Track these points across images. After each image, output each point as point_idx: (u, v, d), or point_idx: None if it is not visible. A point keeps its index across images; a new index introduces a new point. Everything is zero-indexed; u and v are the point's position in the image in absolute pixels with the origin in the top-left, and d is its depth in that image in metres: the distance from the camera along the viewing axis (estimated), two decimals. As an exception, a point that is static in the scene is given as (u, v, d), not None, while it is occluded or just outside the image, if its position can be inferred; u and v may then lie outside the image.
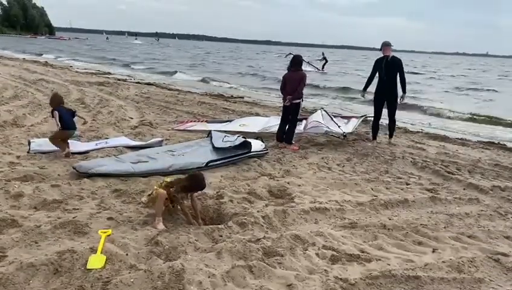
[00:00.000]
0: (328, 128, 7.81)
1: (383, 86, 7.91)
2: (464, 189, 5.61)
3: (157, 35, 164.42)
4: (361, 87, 8.74)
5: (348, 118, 9.25)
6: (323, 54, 36.26)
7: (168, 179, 4.23)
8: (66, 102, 10.43)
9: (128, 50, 58.32)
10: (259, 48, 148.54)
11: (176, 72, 26.28)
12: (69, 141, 6.09)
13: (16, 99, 10.33)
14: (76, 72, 21.00)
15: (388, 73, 7.78)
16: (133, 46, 73.16)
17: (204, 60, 43.06)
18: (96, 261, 3.05)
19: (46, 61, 26.35)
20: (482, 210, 4.81)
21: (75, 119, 6.17)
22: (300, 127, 8.13)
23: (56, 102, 6.00)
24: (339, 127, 7.91)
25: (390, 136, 8.34)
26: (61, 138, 5.90)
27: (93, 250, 3.18)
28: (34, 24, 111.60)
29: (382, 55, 7.88)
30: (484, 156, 7.73)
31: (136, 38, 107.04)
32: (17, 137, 6.72)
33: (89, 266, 3.00)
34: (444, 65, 65.26)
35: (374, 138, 8.30)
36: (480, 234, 4.12)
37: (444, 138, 9.50)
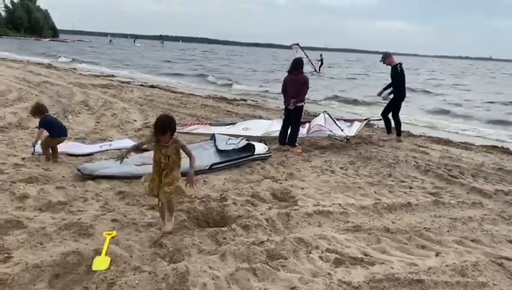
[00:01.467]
0: (331, 131, 7.83)
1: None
2: (467, 193, 5.61)
3: (162, 38, 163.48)
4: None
5: (351, 121, 9.26)
6: (321, 55, 36.32)
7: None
8: (70, 104, 10.53)
9: (118, 51, 59.71)
10: (260, 50, 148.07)
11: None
12: (73, 143, 6.09)
13: (20, 102, 10.37)
14: (80, 74, 21.07)
15: (399, 80, 8.63)
16: (129, 49, 73.56)
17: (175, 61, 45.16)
18: (101, 263, 3.07)
19: (49, 64, 26.47)
20: (485, 214, 4.80)
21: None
22: (303, 130, 8.14)
23: (40, 112, 5.74)
24: (342, 130, 7.92)
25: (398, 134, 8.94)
26: (52, 145, 5.70)
27: (97, 252, 3.20)
28: (38, 27, 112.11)
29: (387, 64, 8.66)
30: (487, 160, 7.72)
31: (134, 42, 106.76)
32: (21, 139, 6.75)
33: (94, 268, 3.02)
34: (433, 68, 64.84)
35: (389, 132, 9.05)
36: (484, 238, 4.12)
37: (447, 142, 9.49)
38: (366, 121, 9.18)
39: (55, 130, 5.66)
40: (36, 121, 8.13)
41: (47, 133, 5.65)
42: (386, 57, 8.64)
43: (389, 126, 9.03)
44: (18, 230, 3.59)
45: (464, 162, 7.35)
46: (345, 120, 9.37)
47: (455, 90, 28.18)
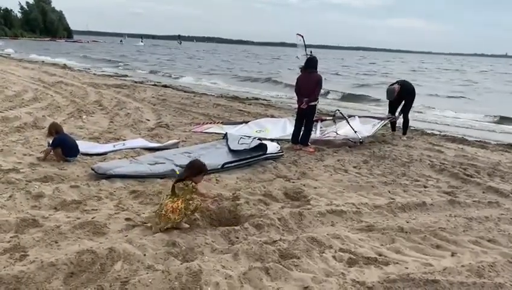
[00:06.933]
0: (346, 136, 7.83)
1: None
2: (483, 192, 5.51)
3: (180, 38, 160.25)
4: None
5: (380, 119, 9.06)
6: (311, 52, 36.12)
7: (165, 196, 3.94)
8: (84, 104, 10.65)
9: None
10: (268, 49, 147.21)
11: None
12: (89, 142, 6.20)
13: (35, 102, 10.53)
14: (94, 74, 21.34)
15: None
16: (130, 47, 75.27)
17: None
18: None
19: (64, 64, 26.84)
20: (502, 214, 4.72)
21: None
22: (316, 129, 8.10)
23: (55, 130, 5.85)
24: (355, 132, 7.82)
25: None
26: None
27: (112, 250, 3.22)
28: (53, 28, 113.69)
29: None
30: (504, 158, 7.58)
31: (141, 41, 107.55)
32: (37, 138, 6.85)
33: None
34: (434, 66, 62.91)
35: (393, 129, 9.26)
36: (501, 238, 4.04)
37: (463, 140, 9.36)
38: (391, 118, 8.98)
39: (65, 151, 5.75)
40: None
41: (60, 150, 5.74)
42: (391, 93, 8.72)
43: (405, 127, 9.07)
44: (34, 229, 3.64)
45: (479, 161, 7.24)
46: (372, 117, 9.33)
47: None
